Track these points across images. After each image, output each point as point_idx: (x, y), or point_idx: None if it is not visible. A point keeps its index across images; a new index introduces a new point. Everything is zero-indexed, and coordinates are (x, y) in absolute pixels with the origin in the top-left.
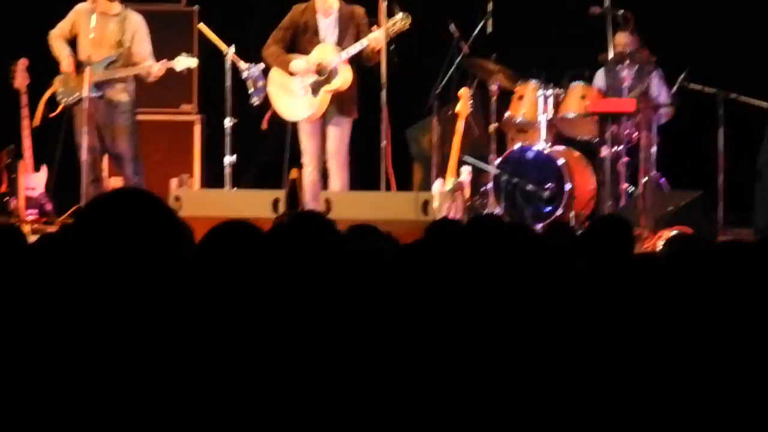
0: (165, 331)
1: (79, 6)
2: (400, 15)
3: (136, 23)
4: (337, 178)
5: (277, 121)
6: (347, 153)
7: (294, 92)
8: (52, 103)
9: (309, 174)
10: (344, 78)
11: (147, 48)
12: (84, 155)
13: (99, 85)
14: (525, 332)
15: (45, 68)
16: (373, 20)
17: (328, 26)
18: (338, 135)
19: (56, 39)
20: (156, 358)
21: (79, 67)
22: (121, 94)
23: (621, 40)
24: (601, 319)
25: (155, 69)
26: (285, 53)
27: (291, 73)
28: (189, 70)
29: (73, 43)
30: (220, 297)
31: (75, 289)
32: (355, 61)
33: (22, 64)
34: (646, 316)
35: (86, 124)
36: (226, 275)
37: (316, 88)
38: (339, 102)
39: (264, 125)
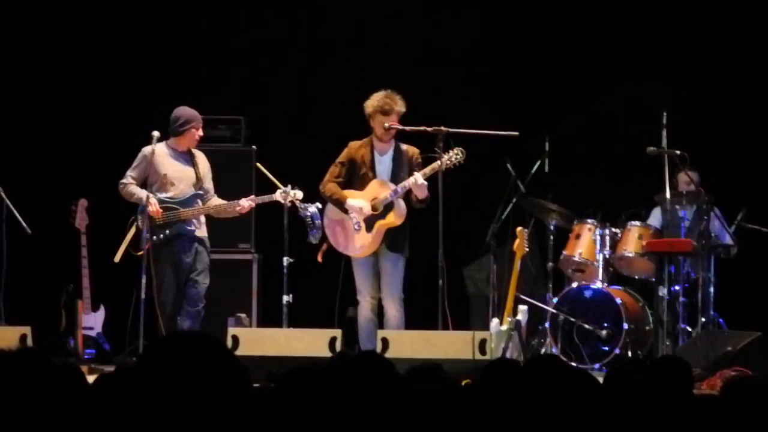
0: None
1: (149, 148)
2: (455, 150)
3: (204, 160)
4: (393, 315)
5: (331, 256)
6: (401, 290)
7: (349, 227)
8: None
9: (364, 311)
10: (398, 213)
11: (212, 185)
12: (149, 293)
13: (187, 222)
14: None
15: (102, 209)
16: (427, 156)
17: (383, 163)
18: (392, 271)
19: (131, 186)
20: None
21: (162, 204)
22: (204, 230)
23: (683, 178)
24: None
25: (245, 203)
26: (341, 190)
27: (347, 210)
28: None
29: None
30: None
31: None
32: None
33: (82, 204)
34: None
35: (170, 261)
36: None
37: (370, 224)
38: (392, 238)
39: (319, 258)
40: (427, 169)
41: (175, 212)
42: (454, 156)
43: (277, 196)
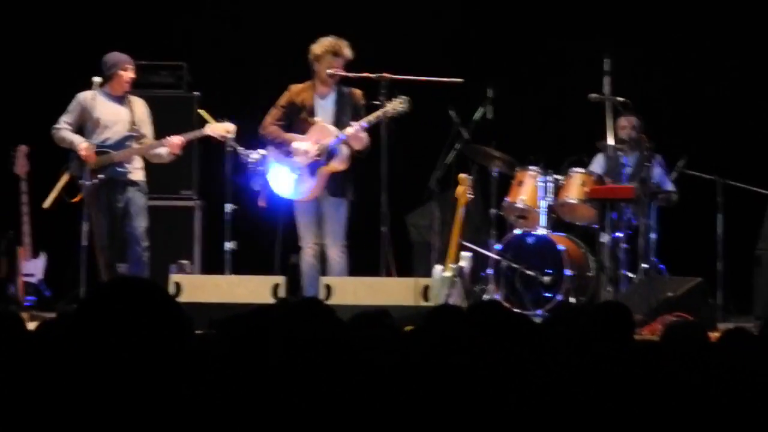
0: (164, 420)
1: (83, 94)
2: (400, 98)
3: (142, 106)
4: (336, 261)
5: (274, 199)
6: (344, 236)
7: (290, 172)
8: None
9: (307, 258)
10: (341, 159)
11: (151, 131)
12: (90, 238)
13: (120, 165)
14: (522, 421)
15: (43, 156)
16: (370, 104)
17: (325, 107)
18: (335, 217)
19: (64, 131)
20: None
21: (94, 149)
22: (140, 174)
23: (622, 123)
24: (600, 406)
25: (174, 140)
26: (283, 132)
27: (289, 153)
28: (190, 154)
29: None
30: (222, 385)
31: (74, 377)
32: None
33: (22, 150)
34: (645, 403)
35: (102, 206)
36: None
37: (313, 169)
38: (335, 183)
39: (261, 203)
40: (371, 117)
41: (108, 156)
42: (398, 104)
43: (207, 130)
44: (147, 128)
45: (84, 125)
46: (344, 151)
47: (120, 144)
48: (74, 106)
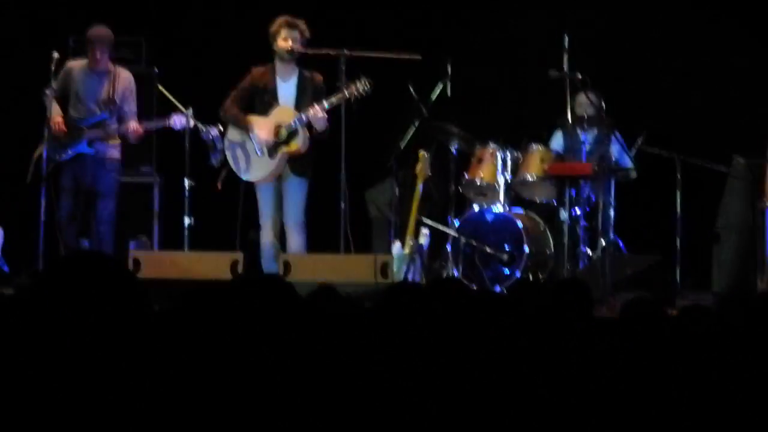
0: (121, 395)
1: (71, 63)
2: (362, 80)
3: (125, 81)
4: (295, 239)
5: (232, 180)
6: (304, 214)
7: (250, 152)
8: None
9: (266, 235)
10: (302, 141)
11: (134, 107)
12: (66, 214)
13: (90, 142)
14: (479, 397)
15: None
16: (334, 85)
17: (286, 90)
18: (295, 196)
19: (49, 98)
20: (113, 422)
21: (71, 123)
22: (113, 152)
23: (581, 100)
24: (558, 383)
25: (136, 129)
26: (243, 115)
27: (249, 134)
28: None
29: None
30: (179, 363)
31: (32, 352)
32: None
33: None
34: (603, 379)
35: (68, 183)
36: (186, 339)
37: (273, 150)
38: (295, 163)
39: (219, 186)
40: (333, 99)
41: (80, 131)
42: (361, 86)
43: (170, 121)
44: (127, 105)
45: (66, 96)
46: (304, 133)
47: (95, 120)
48: (61, 74)
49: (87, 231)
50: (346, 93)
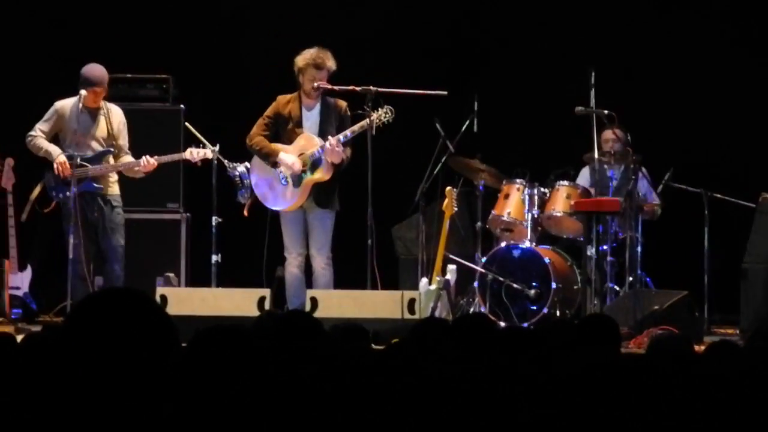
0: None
1: (61, 103)
2: (384, 108)
3: (120, 116)
4: (322, 275)
5: (258, 214)
6: (329, 247)
7: (275, 181)
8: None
9: (292, 268)
10: (325, 169)
11: (126, 142)
12: (74, 252)
13: (95, 179)
14: None
15: (29, 169)
16: (356, 114)
17: (310, 118)
18: (320, 228)
19: (39, 139)
20: None
21: (70, 161)
22: (115, 188)
23: (608, 136)
24: (586, 420)
25: (149, 161)
26: (269, 143)
27: (275, 164)
28: (177, 166)
29: (53, 139)
30: (206, 400)
31: (63, 389)
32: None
33: (9, 163)
34: (631, 416)
35: (79, 220)
36: (212, 379)
37: (297, 179)
38: (320, 195)
39: (245, 212)
40: (356, 127)
41: (84, 170)
42: (383, 115)
43: (186, 154)
44: (123, 139)
45: (60, 135)
46: (328, 161)
47: (96, 158)
48: (51, 114)
49: (98, 268)
50: (368, 121)
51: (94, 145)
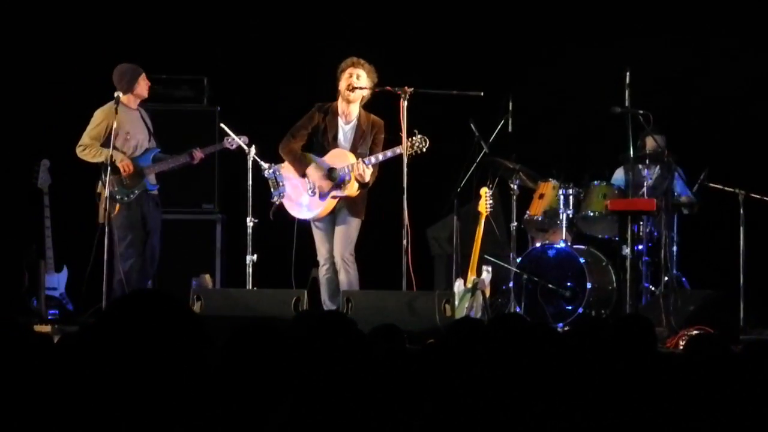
0: None
1: (106, 109)
2: (419, 137)
3: (147, 117)
4: (345, 273)
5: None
6: (351, 250)
7: (303, 191)
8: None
9: (325, 272)
10: (353, 188)
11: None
12: (139, 254)
13: (150, 179)
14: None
15: (65, 170)
16: (389, 137)
17: (347, 131)
18: (344, 233)
19: (95, 147)
20: None
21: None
22: (157, 188)
23: (651, 143)
24: (623, 420)
25: (200, 155)
26: (301, 153)
27: (304, 174)
28: (212, 168)
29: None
30: (242, 400)
31: (95, 389)
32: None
33: (45, 164)
34: (669, 415)
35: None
36: (247, 379)
37: (324, 192)
38: (348, 204)
39: (270, 216)
40: (388, 152)
41: (141, 170)
42: (417, 143)
43: (224, 143)
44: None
45: (109, 139)
46: (355, 180)
47: (146, 158)
48: (99, 120)
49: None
50: (399, 149)
51: (142, 145)
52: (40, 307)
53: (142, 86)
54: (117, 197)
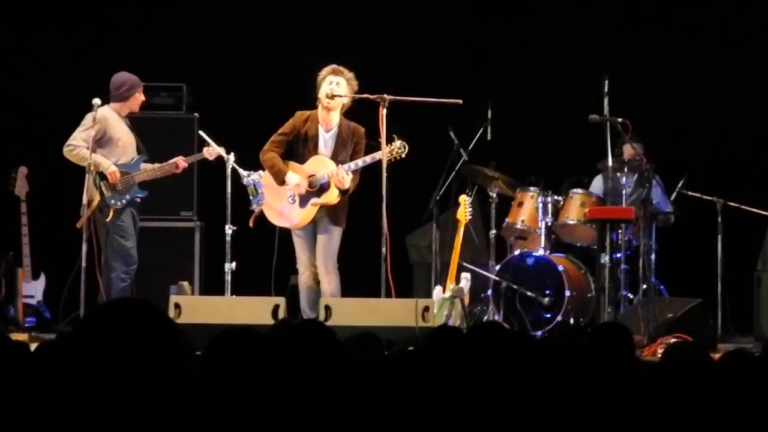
0: None
1: (100, 112)
2: (398, 143)
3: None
4: (327, 282)
5: (270, 224)
6: (334, 259)
7: (283, 199)
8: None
9: (305, 280)
10: (333, 195)
11: None
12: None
13: (139, 187)
14: None
15: (42, 177)
16: (370, 143)
17: (327, 139)
18: (326, 242)
19: (83, 149)
20: None
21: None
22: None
23: (629, 150)
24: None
25: (184, 163)
26: (281, 161)
27: (284, 183)
28: (191, 175)
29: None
30: (221, 409)
31: (72, 398)
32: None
33: (22, 172)
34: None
35: (128, 228)
36: (227, 386)
37: (304, 200)
38: (329, 213)
39: (251, 223)
40: (367, 158)
41: (130, 177)
42: (396, 149)
43: (204, 153)
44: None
45: (101, 143)
46: (335, 187)
47: (135, 165)
48: (91, 123)
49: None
50: (379, 154)
51: (132, 152)
52: (17, 316)
53: (137, 99)
54: (111, 202)
